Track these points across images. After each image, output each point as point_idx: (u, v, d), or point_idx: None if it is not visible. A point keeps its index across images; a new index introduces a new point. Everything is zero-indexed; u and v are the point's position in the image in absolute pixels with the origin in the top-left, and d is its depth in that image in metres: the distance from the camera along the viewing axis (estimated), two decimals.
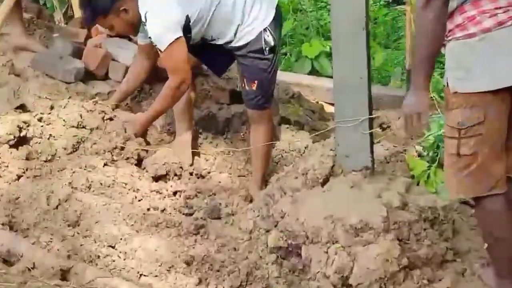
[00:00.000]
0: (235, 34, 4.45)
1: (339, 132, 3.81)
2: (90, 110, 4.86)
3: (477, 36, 2.86)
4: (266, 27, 4.42)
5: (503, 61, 2.85)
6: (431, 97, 6.03)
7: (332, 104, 4.10)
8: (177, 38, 4.29)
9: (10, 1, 5.12)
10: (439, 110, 5.02)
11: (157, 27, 4.30)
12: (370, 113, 3.71)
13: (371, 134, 3.74)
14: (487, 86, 2.87)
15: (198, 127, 5.11)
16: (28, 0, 7.07)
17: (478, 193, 3.01)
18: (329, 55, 7.63)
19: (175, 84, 4.44)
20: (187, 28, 4.36)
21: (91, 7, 4.41)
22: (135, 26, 4.52)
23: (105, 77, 5.48)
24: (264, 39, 4.43)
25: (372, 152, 3.80)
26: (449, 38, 2.94)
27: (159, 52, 4.40)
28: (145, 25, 4.34)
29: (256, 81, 4.46)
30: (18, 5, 5.58)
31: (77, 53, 5.61)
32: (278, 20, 4.54)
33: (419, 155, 4.64)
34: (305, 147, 4.95)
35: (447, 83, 3.00)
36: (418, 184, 4.20)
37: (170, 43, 4.28)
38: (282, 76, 6.41)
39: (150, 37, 4.36)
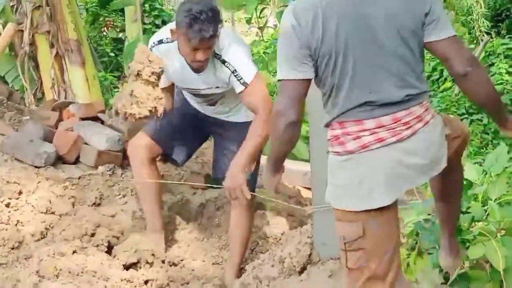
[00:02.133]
0: (235, 107, 4.40)
1: (317, 219, 3.74)
2: (60, 195, 4.75)
3: (342, 155, 2.79)
4: None
5: (362, 185, 2.75)
6: None
7: (309, 189, 4.03)
8: (257, 72, 4.14)
9: None
10: (417, 196, 4.97)
11: (244, 56, 4.10)
12: None
13: None
14: (351, 206, 2.78)
15: (172, 212, 5.01)
16: None
17: None
18: (305, 138, 7.61)
19: (267, 116, 3.99)
20: None
21: (216, 23, 3.92)
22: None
23: (76, 161, 5.39)
24: None
25: None
26: (329, 150, 2.89)
27: (239, 87, 4.10)
28: (225, 61, 4.07)
29: (255, 163, 4.36)
30: None
31: (48, 137, 5.53)
32: None
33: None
34: (282, 234, 4.87)
35: None
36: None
37: (255, 74, 4.09)
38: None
39: (234, 71, 4.07)
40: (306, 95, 2.82)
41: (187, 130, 4.56)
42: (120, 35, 13.47)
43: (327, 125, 2.86)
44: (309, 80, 2.78)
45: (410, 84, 2.76)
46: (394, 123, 2.74)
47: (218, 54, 4.08)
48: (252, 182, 4.41)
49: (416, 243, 4.24)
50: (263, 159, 4.56)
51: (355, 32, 2.71)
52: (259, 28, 13.00)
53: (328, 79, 2.78)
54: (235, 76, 4.09)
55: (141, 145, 4.55)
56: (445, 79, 12.37)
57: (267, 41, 15.62)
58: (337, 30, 2.70)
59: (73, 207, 4.83)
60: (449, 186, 3.27)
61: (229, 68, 4.08)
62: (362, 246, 2.76)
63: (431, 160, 2.84)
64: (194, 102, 4.55)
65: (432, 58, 12.39)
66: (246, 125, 4.21)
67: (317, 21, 2.71)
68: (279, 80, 2.82)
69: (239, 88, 4.10)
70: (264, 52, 13.39)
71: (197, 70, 4.14)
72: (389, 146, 2.73)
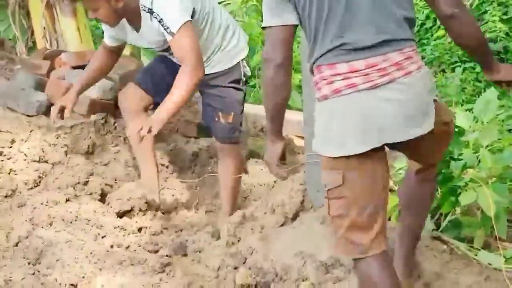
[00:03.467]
0: (208, 58, 4.33)
1: (309, 166, 3.75)
2: (53, 144, 4.75)
3: (320, 101, 2.78)
4: (244, 58, 4.41)
5: (336, 131, 2.72)
6: None
7: (302, 138, 4.04)
8: (189, 21, 4.03)
9: None
10: None
11: (171, 6, 4.01)
12: None
13: None
14: (327, 153, 2.77)
15: (165, 161, 5.02)
16: None
17: (352, 255, 2.84)
18: (299, 87, 7.60)
19: (192, 67, 3.99)
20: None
21: None
22: (118, 18, 4.20)
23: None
24: (243, 69, 4.41)
25: None
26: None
27: (168, 36, 4.04)
28: (150, 12, 4.05)
29: (232, 113, 4.38)
30: None
31: (40, 85, 5.51)
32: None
33: (390, 190, 4.56)
34: (274, 182, 4.89)
35: None
36: (389, 219, 4.13)
37: (185, 24, 3.99)
38: (251, 109, 6.37)
39: (160, 21, 4.01)
40: (291, 41, 2.84)
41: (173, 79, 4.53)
42: None
43: (311, 71, 2.85)
44: (290, 26, 2.81)
45: (387, 29, 2.71)
46: (368, 68, 2.69)
47: (144, 6, 4.05)
48: (231, 132, 4.45)
49: None
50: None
51: None
52: None
53: (307, 24, 2.78)
54: (162, 25, 4.01)
55: (131, 95, 4.55)
56: (439, 27, 12.28)
57: None
58: None
59: (66, 155, 4.82)
60: (421, 197, 3.23)
61: (156, 18, 4.02)
62: (342, 194, 2.74)
63: (412, 115, 2.74)
64: None
65: (426, 6, 12.30)
66: (219, 74, 4.35)
67: None
68: (263, 28, 2.85)
69: (168, 37, 4.02)
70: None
71: (135, 28, 4.19)
72: (361, 92, 2.68)
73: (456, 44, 2.92)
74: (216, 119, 4.43)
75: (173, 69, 4.36)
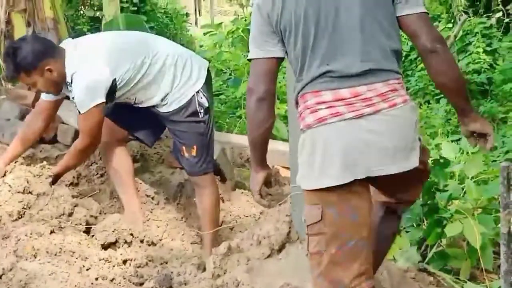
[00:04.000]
0: (163, 99, 4.42)
1: (295, 197, 3.73)
2: (37, 175, 4.71)
3: (304, 131, 2.76)
4: (199, 90, 4.41)
5: (318, 161, 2.69)
6: None
7: (288, 168, 4.03)
8: (99, 104, 4.26)
9: None
10: None
11: (82, 89, 4.24)
12: None
13: None
14: (308, 185, 2.74)
15: (150, 192, 5.00)
16: None
17: None
18: (284, 118, 7.61)
19: (82, 146, 4.44)
20: (111, 91, 4.33)
21: (15, 63, 4.27)
22: (59, 86, 4.41)
23: (54, 141, 5.35)
24: (198, 102, 4.41)
25: None
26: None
27: (77, 112, 4.34)
28: (69, 86, 4.29)
29: (195, 147, 4.40)
30: None
31: (25, 116, 5.48)
32: (209, 80, 4.56)
33: None
34: (260, 213, 4.87)
35: None
36: None
37: (89, 109, 4.25)
38: (236, 139, 6.36)
39: (73, 98, 4.29)
40: (275, 74, 2.84)
41: (147, 114, 4.56)
42: (97, 13, 13.36)
43: (296, 102, 2.84)
44: (274, 59, 2.81)
45: (373, 59, 2.70)
46: (353, 97, 2.67)
47: (68, 82, 4.31)
48: (197, 165, 4.48)
49: None
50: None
51: (315, 2, 2.69)
52: (240, 5, 12.93)
53: (292, 54, 2.78)
54: (74, 103, 4.32)
55: (105, 129, 4.55)
56: None
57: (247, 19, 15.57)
58: (297, 2, 2.71)
59: (51, 186, 4.79)
60: (382, 233, 3.13)
61: (71, 93, 4.31)
62: (321, 230, 2.70)
63: (397, 148, 2.70)
64: None
65: None
66: (176, 110, 4.42)
67: None
68: (249, 60, 2.86)
69: (77, 112, 4.35)
70: (243, 30, 13.31)
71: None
72: (346, 121, 2.65)
73: (434, 82, 2.86)
74: (181, 154, 4.49)
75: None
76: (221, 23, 9.83)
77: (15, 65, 4.28)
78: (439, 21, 13.74)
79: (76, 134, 5.24)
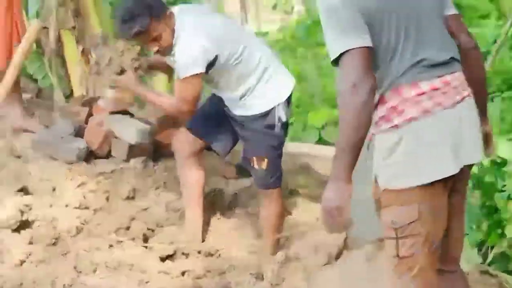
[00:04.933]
0: (243, 95, 4.33)
1: (351, 203, 3.70)
2: (93, 191, 4.78)
3: (400, 127, 2.61)
4: (280, 103, 4.30)
5: (429, 154, 2.61)
6: None
7: None
8: (199, 73, 4.17)
9: (10, 78, 5.06)
10: None
11: (185, 54, 4.16)
12: None
13: None
14: (413, 182, 2.62)
15: (206, 203, 5.01)
16: (27, 80, 7.07)
17: None
18: (336, 123, 7.58)
19: (176, 109, 4.34)
20: (209, 66, 4.22)
21: (148, 6, 4.10)
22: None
23: (108, 156, 5.39)
24: (278, 114, 4.30)
25: None
26: (376, 131, 2.71)
27: (176, 77, 4.29)
28: (173, 49, 4.22)
29: (266, 160, 4.34)
30: (16, 85, 5.55)
31: (79, 132, 5.55)
32: (290, 97, 4.42)
33: None
34: (316, 219, 4.84)
35: (376, 180, 2.73)
36: None
37: (191, 75, 4.15)
38: (289, 146, 6.34)
39: (174, 61, 4.22)
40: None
41: (226, 120, 4.55)
42: None
43: (379, 100, 2.67)
44: (372, 49, 2.61)
45: (452, 47, 2.76)
46: (445, 86, 2.65)
47: (174, 37, 4.21)
48: (267, 178, 4.41)
49: None
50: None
51: None
52: (286, 12, 12.92)
53: (382, 45, 2.64)
54: (174, 63, 4.24)
55: (183, 141, 4.60)
56: None
57: (292, 27, 15.56)
58: None
59: (107, 201, 4.84)
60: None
61: (173, 57, 4.22)
62: (416, 231, 2.61)
63: (479, 134, 2.77)
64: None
65: None
66: (252, 117, 4.32)
67: None
68: (339, 56, 2.59)
69: (175, 76, 4.29)
70: (290, 37, 13.30)
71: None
72: (446, 111, 2.63)
73: (471, 78, 2.79)
74: (251, 165, 4.41)
75: (222, 107, 4.47)
76: (267, 32, 9.84)
77: (149, 9, 4.11)
78: (491, 19, 13.54)
79: (130, 148, 5.29)
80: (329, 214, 2.59)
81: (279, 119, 4.31)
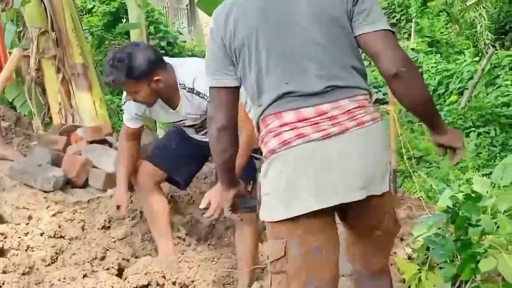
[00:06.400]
0: None
1: None
2: (69, 220, 4.75)
3: (268, 158, 2.59)
4: None
5: (288, 188, 2.52)
6: (419, 198, 6.00)
7: None
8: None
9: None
10: (427, 210, 4.96)
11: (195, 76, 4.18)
12: None
13: None
14: (274, 215, 2.57)
15: (181, 233, 5.01)
16: (6, 108, 7.05)
17: None
18: None
19: (250, 128, 4.05)
20: None
21: (128, 68, 4.10)
22: (157, 98, 4.31)
23: (85, 185, 5.39)
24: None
25: None
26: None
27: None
28: (193, 91, 4.20)
29: (251, 182, 4.35)
30: None
31: (56, 161, 5.54)
32: None
33: (409, 258, 4.54)
34: None
35: None
36: None
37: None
38: None
39: (204, 96, 4.18)
40: (233, 101, 2.73)
41: (186, 153, 4.63)
42: None
43: (257, 128, 2.72)
44: (229, 89, 2.71)
45: (335, 75, 2.54)
46: (318, 116, 2.51)
47: (183, 85, 4.20)
48: (251, 201, 4.40)
49: (427, 257, 4.22)
50: None
51: (267, 19, 2.57)
52: None
53: (247, 79, 2.65)
54: (203, 96, 4.16)
55: (145, 173, 4.63)
56: (451, 92, 12.38)
57: None
58: (248, 20, 2.59)
59: (83, 230, 4.83)
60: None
61: (205, 99, 4.15)
62: (283, 268, 2.55)
63: (368, 172, 2.54)
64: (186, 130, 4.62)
65: (438, 72, 12.39)
66: None
67: (229, 18, 2.64)
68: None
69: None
70: None
71: (171, 106, 4.31)
72: (312, 143, 2.50)
73: (401, 104, 2.65)
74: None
75: (186, 140, 4.53)
76: None
77: (127, 70, 4.11)
78: (467, 55, 13.71)
79: (107, 178, 5.29)
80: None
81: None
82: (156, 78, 4.17)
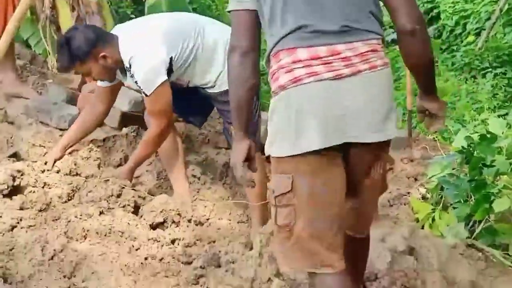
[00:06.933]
0: (215, 80, 4.44)
1: None
2: (85, 157, 4.78)
3: (277, 93, 2.58)
4: None
5: (296, 124, 2.53)
6: (434, 138, 5.99)
7: None
8: (164, 81, 4.31)
9: (4, 44, 5.05)
10: (442, 151, 4.97)
11: (144, 71, 4.29)
12: None
13: None
14: (281, 152, 2.58)
15: (196, 172, 5.04)
16: (21, 46, 7.04)
17: (304, 268, 2.67)
18: None
19: (160, 129, 4.48)
20: (169, 70, 4.36)
21: (69, 53, 4.34)
22: (113, 72, 4.50)
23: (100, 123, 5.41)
24: None
25: None
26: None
27: (144, 96, 4.39)
28: (129, 70, 4.34)
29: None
30: (10, 51, 5.54)
31: (72, 100, 5.57)
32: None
33: (423, 198, 4.56)
34: None
35: None
36: (423, 228, 4.12)
37: (156, 87, 4.29)
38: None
39: (136, 82, 4.33)
40: (256, 26, 2.68)
41: (194, 96, 4.63)
42: None
43: (267, 62, 2.69)
44: (252, 11, 2.66)
45: (352, 17, 2.55)
46: (331, 56, 2.51)
47: (124, 61, 4.36)
48: None
49: (441, 197, 4.24)
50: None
51: None
52: None
53: (264, 5, 2.62)
54: (137, 85, 4.37)
55: None
56: (468, 33, 12.24)
57: None
58: None
59: (99, 168, 4.86)
60: (359, 249, 3.00)
61: (133, 78, 4.34)
62: (290, 202, 2.58)
63: (376, 116, 2.57)
64: None
65: (455, 12, 12.24)
66: (222, 92, 4.37)
67: None
68: (228, 12, 2.72)
69: (143, 95, 4.40)
70: None
71: (124, 76, 4.51)
72: (324, 82, 2.50)
73: (404, 62, 2.71)
74: (230, 133, 4.47)
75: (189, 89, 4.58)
76: None
77: (69, 55, 4.34)
78: None
79: (122, 116, 5.31)
80: (235, 170, 2.80)
81: None
82: (101, 54, 4.35)
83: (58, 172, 4.62)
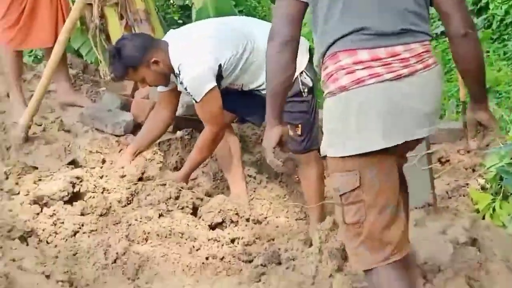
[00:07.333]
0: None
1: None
2: (149, 159, 4.86)
3: (336, 94, 2.59)
4: (303, 70, 4.35)
5: (357, 125, 2.57)
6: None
7: None
8: (212, 88, 4.35)
9: (57, 55, 5.14)
10: (499, 141, 4.90)
11: (192, 78, 4.34)
12: (428, 148, 3.63)
13: (430, 170, 3.66)
14: (345, 151, 2.60)
15: (252, 172, 5.06)
16: (73, 56, 7.15)
17: (376, 263, 2.65)
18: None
19: (213, 134, 4.55)
20: (219, 77, 4.40)
21: (121, 62, 4.43)
22: (167, 77, 4.55)
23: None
24: (302, 82, 4.35)
25: (433, 187, 3.71)
26: (324, 93, 2.69)
27: (194, 102, 4.45)
28: (178, 77, 4.39)
29: (299, 125, 4.39)
30: (63, 61, 5.64)
31: (125, 106, 5.63)
32: (312, 60, 4.45)
33: (482, 188, 4.52)
34: None
35: None
36: (483, 218, 4.08)
37: (206, 93, 4.34)
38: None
39: (185, 88, 4.39)
40: (300, 19, 2.67)
41: (251, 96, 4.61)
42: (187, 1, 13.52)
43: (319, 64, 2.71)
44: (300, 2, 2.65)
45: (410, 20, 2.60)
46: (390, 57, 2.56)
47: (174, 68, 4.43)
48: (303, 143, 4.46)
49: (501, 187, 4.20)
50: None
51: None
52: None
53: (319, 4, 2.63)
54: (187, 92, 4.43)
55: None
56: None
57: None
58: None
59: (160, 171, 4.92)
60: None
61: (182, 85, 4.41)
62: (359, 198, 2.60)
63: (428, 112, 2.63)
64: None
65: (504, 1, 12.07)
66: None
67: None
68: (272, 2, 2.76)
69: (193, 101, 4.49)
70: None
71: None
72: (385, 83, 2.54)
73: (457, 67, 2.74)
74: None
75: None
76: None
77: (121, 64, 4.43)
78: None
79: (176, 120, 5.35)
80: (265, 154, 2.85)
81: (304, 85, 4.37)
82: (152, 60, 4.42)
83: (123, 177, 4.69)
